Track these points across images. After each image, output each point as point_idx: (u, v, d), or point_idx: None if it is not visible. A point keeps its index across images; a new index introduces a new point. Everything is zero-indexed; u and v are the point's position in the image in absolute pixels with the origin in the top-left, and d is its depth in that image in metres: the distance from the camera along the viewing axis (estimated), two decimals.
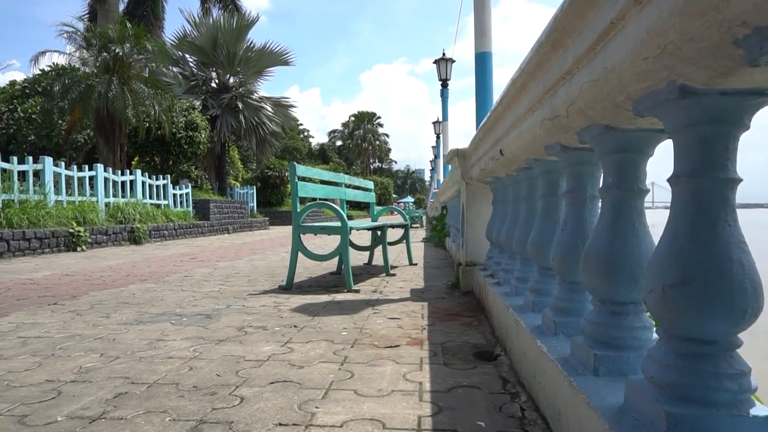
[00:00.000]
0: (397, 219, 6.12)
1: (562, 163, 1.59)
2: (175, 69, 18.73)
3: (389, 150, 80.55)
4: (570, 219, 1.53)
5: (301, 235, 3.94)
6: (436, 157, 24.52)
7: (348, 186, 5.19)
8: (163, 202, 12.65)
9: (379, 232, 4.93)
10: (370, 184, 5.96)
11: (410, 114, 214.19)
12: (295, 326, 2.59)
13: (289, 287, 3.86)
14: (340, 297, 3.48)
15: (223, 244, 10.33)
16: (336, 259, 4.95)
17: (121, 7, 21.57)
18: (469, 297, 3.44)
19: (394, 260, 5.95)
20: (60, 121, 14.99)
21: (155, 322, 2.74)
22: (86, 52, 13.04)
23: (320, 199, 4.27)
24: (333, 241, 7.54)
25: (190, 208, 14.02)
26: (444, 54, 12.29)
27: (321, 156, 68.55)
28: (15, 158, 7.86)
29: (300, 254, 3.94)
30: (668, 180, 0.91)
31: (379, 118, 75.47)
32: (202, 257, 7.05)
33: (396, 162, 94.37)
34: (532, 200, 2.21)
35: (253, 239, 12.13)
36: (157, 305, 3.25)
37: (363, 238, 8.63)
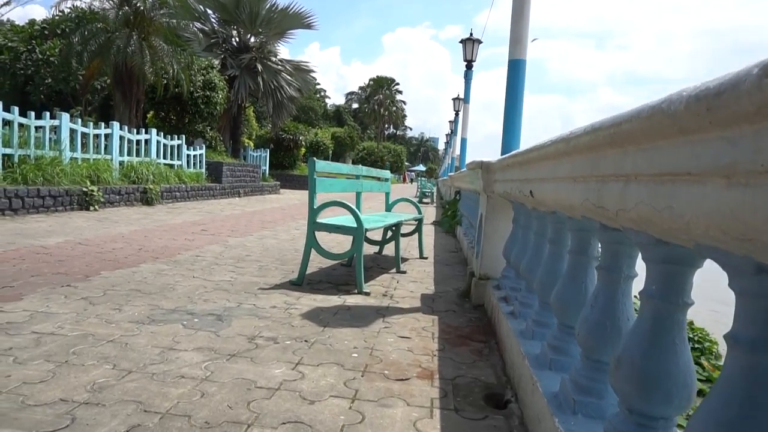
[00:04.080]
0: (411, 211, 6.06)
1: (599, 234, 1.53)
2: (196, 25, 18.42)
3: (405, 117, 79.88)
4: (601, 297, 1.48)
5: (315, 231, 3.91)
6: (453, 132, 24.19)
7: (365, 177, 5.13)
8: (176, 162, 12.63)
9: (392, 230, 4.89)
10: (387, 173, 5.89)
11: (430, 80, 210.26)
12: (305, 341, 2.59)
13: (300, 283, 3.86)
14: (350, 301, 3.47)
15: (233, 211, 10.36)
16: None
17: None
18: (479, 312, 3.42)
19: (405, 250, 5.93)
20: (78, 66, 14.89)
21: (167, 322, 2.75)
22: (107, 3, 12.82)
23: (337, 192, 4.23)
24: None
25: (203, 170, 14.00)
26: (471, 33, 11.95)
27: (336, 118, 68.00)
28: (32, 114, 7.81)
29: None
30: (725, 336, 0.86)
31: (397, 84, 74.64)
32: (212, 230, 7.06)
33: (411, 128, 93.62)
34: (559, 245, 2.14)
35: (264, 207, 12.16)
36: (169, 296, 3.26)
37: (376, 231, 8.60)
